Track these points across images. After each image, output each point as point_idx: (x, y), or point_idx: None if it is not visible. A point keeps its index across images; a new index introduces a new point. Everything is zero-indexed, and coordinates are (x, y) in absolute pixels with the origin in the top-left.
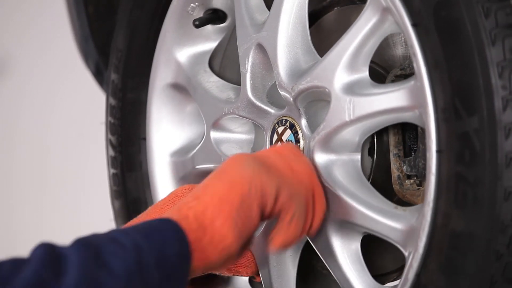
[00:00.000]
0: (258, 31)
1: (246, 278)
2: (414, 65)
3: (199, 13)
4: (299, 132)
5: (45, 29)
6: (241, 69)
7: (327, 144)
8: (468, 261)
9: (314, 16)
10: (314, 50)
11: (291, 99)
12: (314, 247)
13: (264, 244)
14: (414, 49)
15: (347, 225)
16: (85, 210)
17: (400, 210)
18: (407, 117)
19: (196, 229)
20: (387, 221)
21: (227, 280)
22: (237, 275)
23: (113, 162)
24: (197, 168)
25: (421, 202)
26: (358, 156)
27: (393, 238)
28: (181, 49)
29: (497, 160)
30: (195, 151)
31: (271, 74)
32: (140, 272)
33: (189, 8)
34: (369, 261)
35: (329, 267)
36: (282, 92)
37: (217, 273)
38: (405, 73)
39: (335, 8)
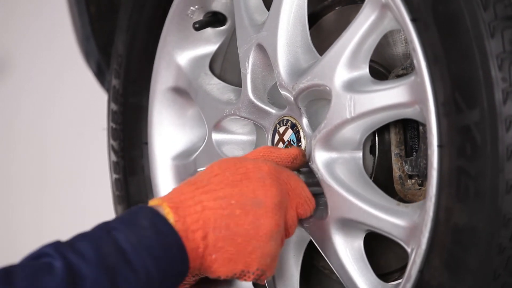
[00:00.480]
0: (258, 32)
1: None
2: (414, 60)
3: (199, 16)
4: (301, 131)
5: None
6: (241, 70)
7: (328, 142)
8: (471, 256)
9: (315, 16)
10: (314, 49)
11: (292, 98)
12: (316, 246)
13: None
14: (414, 44)
15: (349, 223)
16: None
17: (402, 206)
18: (407, 113)
19: (200, 256)
20: (389, 218)
21: (229, 280)
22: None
23: (116, 167)
24: (199, 171)
25: None
26: (359, 154)
27: (396, 235)
28: (182, 53)
29: (499, 153)
30: (197, 153)
31: (271, 74)
32: None
33: (189, 11)
34: (372, 260)
35: (332, 265)
36: (282, 92)
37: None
38: (407, 73)
39: (336, 8)
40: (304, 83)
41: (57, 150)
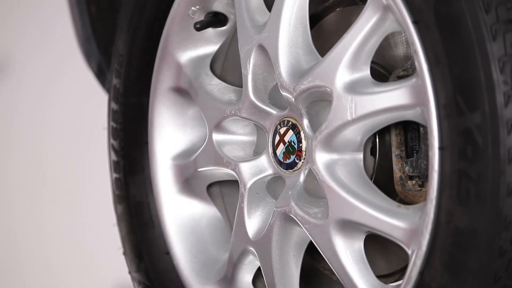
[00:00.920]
0: (259, 32)
1: (249, 279)
2: (415, 62)
3: (200, 17)
4: (301, 132)
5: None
6: (242, 70)
7: (329, 144)
8: (471, 258)
9: (316, 17)
10: (315, 50)
11: (293, 99)
12: (317, 247)
13: (267, 245)
14: (415, 47)
15: (350, 225)
16: (88, 216)
17: (403, 208)
18: (409, 115)
19: None
20: (390, 219)
21: (229, 281)
22: None
23: (116, 166)
24: (199, 170)
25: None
26: (360, 156)
27: (396, 236)
28: (183, 53)
29: (500, 156)
30: (197, 153)
31: (272, 75)
32: None
33: (190, 12)
34: (373, 262)
35: (332, 267)
36: (283, 93)
37: None
38: (408, 74)
39: (337, 9)
40: (305, 84)
41: (57, 149)
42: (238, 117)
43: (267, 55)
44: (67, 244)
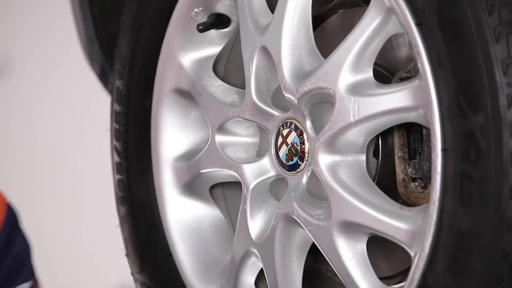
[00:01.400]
0: (262, 34)
1: (252, 281)
2: (418, 64)
3: (202, 18)
4: (304, 134)
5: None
6: (245, 72)
7: (332, 145)
8: (474, 260)
9: (319, 19)
10: (318, 51)
11: (296, 101)
12: (319, 249)
13: (270, 247)
14: (418, 48)
15: (352, 226)
16: (90, 217)
17: (405, 210)
18: (411, 117)
19: None
20: (392, 221)
21: (232, 282)
22: None
23: (119, 168)
24: (202, 172)
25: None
26: (363, 157)
27: (399, 238)
28: (185, 54)
29: (503, 158)
30: (200, 155)
31: (275, 77)
32: None
33: (193, 13)
34: (375, 263)
35: (335, 268)
36: (286, 94)
37: None
38: (410, 76)
39: (340, 11)
40: (308, 86)
41: (60, 151)
42: (240, 119)
43: (270, 56)
44: (69, 246)
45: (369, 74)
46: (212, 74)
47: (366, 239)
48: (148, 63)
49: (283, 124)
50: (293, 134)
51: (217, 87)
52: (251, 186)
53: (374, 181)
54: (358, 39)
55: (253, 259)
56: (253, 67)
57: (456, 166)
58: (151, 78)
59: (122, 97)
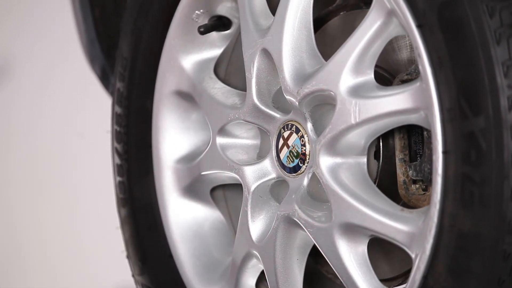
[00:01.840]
0: (263, 36)
1: (253, 283)
2: (419, 66)
3: (204, 20)
4: (305, 136)
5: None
6: (246, 74)
7: (333, 148)
8: (475, 262)
9: (320, 21)
10: (319, 54)
11: (297, 103)
12: (320, 251)
13: (271, 249)
14: (419, 50)
15: (353, 228)
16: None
17: (406, 212)
18: (412, 119)
19: None
20: (393, 223)
21: (233, 284)
22: None
23: (119, 170)
24: (203, 174)
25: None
26: (364, 159)
27: (400, 240)
28: (186, 56)
29: (504, 160)
30: (201, 157)
31: (276, 79)
32: None
33: (194, 15)
34: (376, 265)
35: (336, 270)
36: (287, 97)
37: None
38: (411, 78)
39: (341, 13)
40: (309, 88)
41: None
42: (241, 121)
43: (271, 58)
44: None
45: (370, 76)
46: (213, 76)
47: (367, 241)
48: (149, 65)
49: (284, 126)
50: (294, 136)
51: (218, 89)
52: (252, 188)
53: (375, 183)
54: (359, 42)
55: (254, 261)
56: (254, 69)
57: (457, 168)
58: (152, 80)
59: (123, 99)
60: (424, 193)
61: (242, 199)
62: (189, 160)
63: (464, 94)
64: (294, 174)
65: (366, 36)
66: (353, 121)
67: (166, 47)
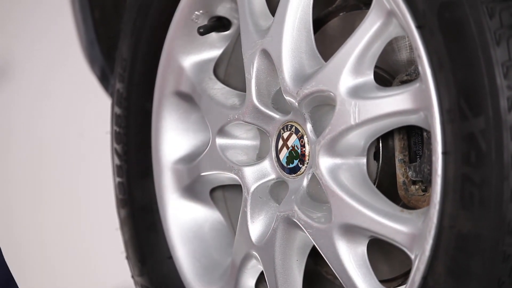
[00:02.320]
0: (262, 37)
1: (252, 283)
2: (419, 67)
3: (203, 21)
4: (305, 137)
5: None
6: (246, 75)
7: (332, 148)
8: (475, 263)
9: (320, 22)
10: (318, 54)
11: (296, 104)
12: (320, 252)
13: (270, 250)
14: (419, 51)
15: (353, 229)
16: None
17: (406, 213)
18: (412, 119)
19: None
20: (393, 224)
21: (232, 285)
22: None
23: (119, 171)
24: (203, 175)
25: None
26: (363, 160)
27: (399, 241)
28: (186, 57)
29: (504, 161)
30: (200, 158)
31: (276, 80)
32: None
33: (194, 16)
34: (375, 266)
35: (335, 271)
36: (287, 97)
37: None
38: (411, 79)
39: (341, 14)
40: (308, 88)
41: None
42: (241, 122)
43: (270, 59)
44: (70, 248)
45: (370, 77)
46: (213, 77)
47: (366, 242)
48: (148, 66)
49: (283, 127)
50: (294, 137)
51: (217, 90)
52: (252, 189)
53: (374, 184)
54: (359, 42)
55: (253, 262)
56: (253, 70)
57: (457, 169)
58: (151, 81)
59: (123, 99)
60: (423, 194)
61: (241, 200)
62: (188, 161)
63: (464, 95)
64: (293, 175)
65: (366, 36)
66: (352, 122)
67: (165, 48)
